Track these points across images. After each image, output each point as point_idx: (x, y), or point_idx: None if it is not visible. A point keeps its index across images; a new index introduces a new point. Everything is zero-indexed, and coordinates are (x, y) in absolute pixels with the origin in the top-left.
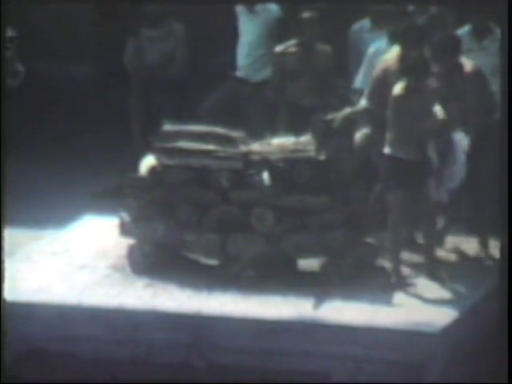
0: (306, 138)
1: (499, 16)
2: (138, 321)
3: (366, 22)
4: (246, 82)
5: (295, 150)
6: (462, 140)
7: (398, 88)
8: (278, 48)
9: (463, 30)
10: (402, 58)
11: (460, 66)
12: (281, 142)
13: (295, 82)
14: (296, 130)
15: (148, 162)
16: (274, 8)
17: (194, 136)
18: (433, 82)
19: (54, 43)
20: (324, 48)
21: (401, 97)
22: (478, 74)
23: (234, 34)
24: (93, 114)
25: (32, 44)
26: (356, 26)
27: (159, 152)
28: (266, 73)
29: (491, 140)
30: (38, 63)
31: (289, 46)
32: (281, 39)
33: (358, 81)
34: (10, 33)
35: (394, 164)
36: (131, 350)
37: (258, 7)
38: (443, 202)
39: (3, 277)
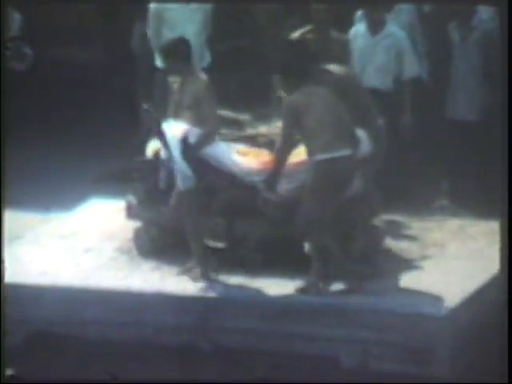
0: None
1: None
2: (144, 303)
3: (361, 26)
4: None
5: None
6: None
7: None
8: (295, 34)
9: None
10: None
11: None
12: None
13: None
14: None
15: (154, 146)
16: None
17: None
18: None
19: (61, 29)
20: (340, 36)
21: None
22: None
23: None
24: (100, 98)
25: (39, 30)
26: (352, 31)
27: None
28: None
29: None
30: (45, 49)
31: (305, 32)
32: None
33: None
34: (15, 23)
35: None
36: (138, 333)
37: None
38: None
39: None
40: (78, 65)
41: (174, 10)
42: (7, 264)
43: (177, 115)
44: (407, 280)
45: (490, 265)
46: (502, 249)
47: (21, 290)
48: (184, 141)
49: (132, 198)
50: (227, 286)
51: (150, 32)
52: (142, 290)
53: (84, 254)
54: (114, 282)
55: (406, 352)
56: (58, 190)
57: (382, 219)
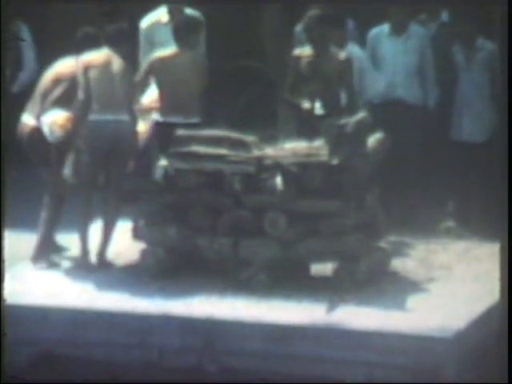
0: (319, 143)
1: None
2: (150, 325)
3: (385, 27)
4: None
5: (308, 155)
6: None
7: None
8: (296, 51)
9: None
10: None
11: None
12: (294, 146)
13: (306, 85)
14: (307, 135)
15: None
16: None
17: (207, 140)
18: None
19: (60, 40)
20: (339, 54)
21: None
22: None
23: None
24: None
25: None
26: (375, 30)
27: (172, 156)
28: None
29: None
30: (47, 55)
31: (305, 49)
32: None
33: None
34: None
35: None
36: (143, 354)
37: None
38: None
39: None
40: None
41: (161, 30)
42: (13, 285)
43: None
44: (413, 302)
45: (496, 287)
46: (501, 271)
47: (25, 311)
48: None
49: (139, 219)
50: (233, 308)
51: (141, 54)
52: (148, 311)
53: (90, 275)
54: (120, 303)
55: (411, 374)
56: (65, 210)
57: (388, 241)
